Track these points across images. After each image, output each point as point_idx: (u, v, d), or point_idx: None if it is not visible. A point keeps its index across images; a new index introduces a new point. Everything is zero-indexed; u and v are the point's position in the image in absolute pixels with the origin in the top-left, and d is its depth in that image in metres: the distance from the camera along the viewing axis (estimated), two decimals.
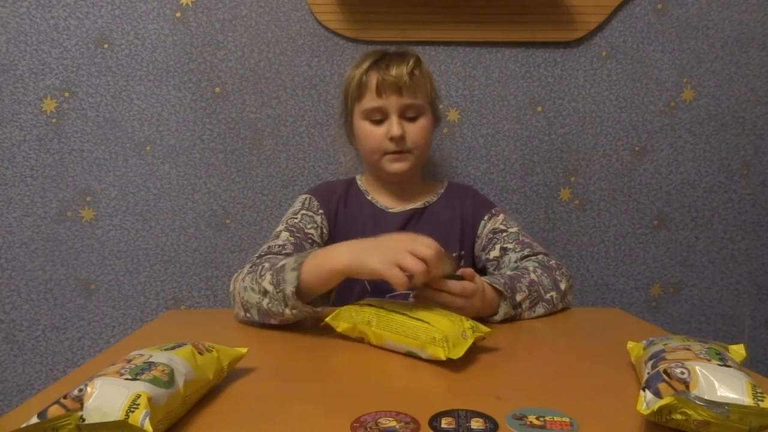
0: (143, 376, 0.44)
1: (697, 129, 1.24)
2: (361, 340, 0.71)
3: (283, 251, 0.87)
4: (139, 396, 0.41)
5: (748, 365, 0.53)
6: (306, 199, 1.00)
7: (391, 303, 0.71)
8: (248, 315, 0.77)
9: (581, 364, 0.63)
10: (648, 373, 0.48)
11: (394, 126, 0.93)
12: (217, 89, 1.17)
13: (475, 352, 0.65)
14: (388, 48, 0.99)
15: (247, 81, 1.18)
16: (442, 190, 1.05)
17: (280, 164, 1.20)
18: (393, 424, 0.46)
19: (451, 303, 0.73)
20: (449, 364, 0.61)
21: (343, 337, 0.72)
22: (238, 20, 1.16)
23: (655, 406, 0.42)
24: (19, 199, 1.15)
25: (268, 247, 0.88)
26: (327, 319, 0.72)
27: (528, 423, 0.46)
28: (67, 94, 1.14)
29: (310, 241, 0.93)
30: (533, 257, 0.94)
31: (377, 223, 0.98)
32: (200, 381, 0.50)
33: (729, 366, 0.46)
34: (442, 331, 0.61)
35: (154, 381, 0.44)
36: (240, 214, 1.20)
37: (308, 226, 0.95)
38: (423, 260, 0.65)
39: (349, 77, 0.99)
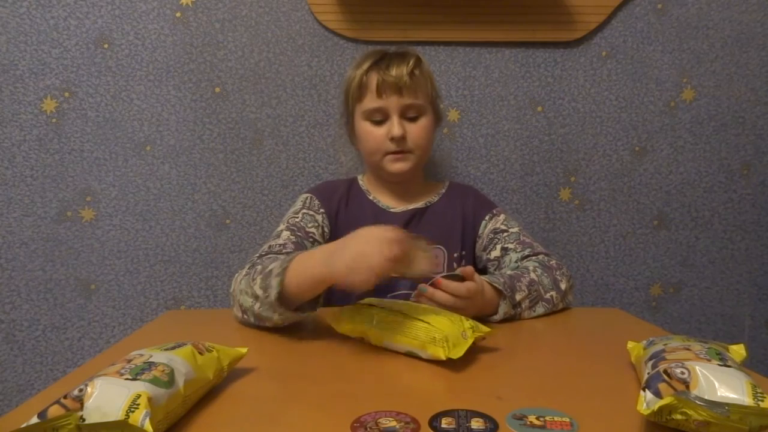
0: (143, 376, 0.44)
1: (697, 129, 1.24)
2: (361, 340, 0.71)
3: (284, 250, 0.87)
4: (139, 396, 0.41)
5: (748, 365, 0.53)
6: (307, 198, 1.00)
7: (392, 303, 0.71)
8: (245, 317, 0.78)
9: (581, 364, 0.63)
10: (648, 373, 0.48)
11: (394, 126, 0.93)
12: (217, 89, 1.17)
13: (475, 352, 0.65)
14: (388, 48, 0.99)
15: (247, 81, 1.18)
16: (444, 190, 1.05)
17: (280, 164, 1.20)
18: (393, 424, 0.46)
19: (453, 304, 0.73)
20: (449, 364, 0.61)
21: (343, 337, 0.72)
22: (238, 20, 1.16)
23: (656, 406, 0.42)
24: (19, 199, 1.15)
25: (269, 247, 0.88)
26: (328, 320, 0.72)
27: (528, 423, 0.46)
28: (67, 94, 1.14)
29: (311, 240, 0.93)
30: (534, 257, 0.94)
31: (379, 223, 0.98)
32: (200, 381, 0.50)
33: (729, 366, 0.46)
34: (442, 331, 0.61)
35: (155, 381, 0.44)
36: (240, 214, 1.20)
37: (309, 225, 0.95)
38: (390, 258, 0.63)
39: (349, 78, 0.99)
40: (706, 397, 0.42)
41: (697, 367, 0.45)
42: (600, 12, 1.18)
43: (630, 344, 0.61)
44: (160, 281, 1.19)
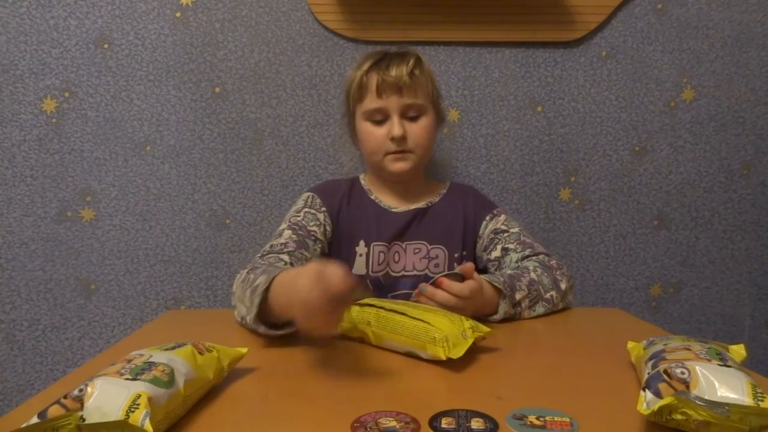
0: (143, 376, 0.44)
1: (697, 129, 1.24)
2: (361, 340, 0.71)
3: (285, 249, 0.87)
4: (139, 396, 0.41)
5: (748, 365, 0.53)
6: (309, 197, 1.00)
7: (392, 303, 0.71)
8: (243, 323, 0.77)
9: (581, 364, 0.63)
10: (648, 373, 0.48)
11: (395, 126, 0.93)
12: (217, 89, 1.17)
13: (475, 352, 0.65)
14: (388, 48, 0.99)
15: (247, 81, 1.18)
16: (444, 191, 1.05)
17: (280, 164, 1.20)
18: (393, 424, 0.46)
19: (454, 304, 0.73)
20: (449, 364, 0.61)
21: (343, 337, 0.72)
22: (238, 20, 1.16)
23: (656, 406, 0.42)
24: (19, 199, 1.15)
25: (270, 246, 0.88)
26: None
27: (528, 423, 0.46)
28: (67, 94, 1.14)
29: (312, 238, 0.93)
30: (534, 257, 0.94)
31: (381, 223, 0.98)
32: (200, 381, 0.50)
33: (729, 366, 0.46)
34: (442, 331, 0.61)
35: (155, 381, 0.44)
36: (240, 214, 1.20)
37: (311, 224, 0.95)
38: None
39: (349, 78, 0.99)
40: (706, 397, 0.42)
41: (697, 367, 0.45)
42: (600, 12, 1.18)
43: (630, 344, 0.61)
44: (160, 281, 1.19)
